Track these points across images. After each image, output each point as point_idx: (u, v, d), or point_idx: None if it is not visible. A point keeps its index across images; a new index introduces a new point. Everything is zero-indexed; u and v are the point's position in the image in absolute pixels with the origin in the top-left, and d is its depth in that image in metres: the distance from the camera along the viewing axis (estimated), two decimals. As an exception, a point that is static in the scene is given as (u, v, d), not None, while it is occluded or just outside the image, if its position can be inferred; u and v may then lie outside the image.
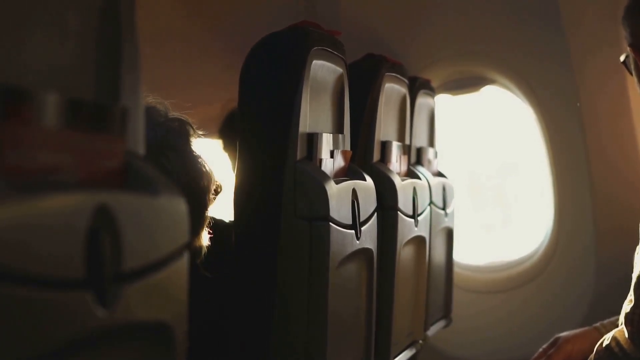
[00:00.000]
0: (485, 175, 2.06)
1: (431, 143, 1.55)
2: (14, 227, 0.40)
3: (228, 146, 1.59)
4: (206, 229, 0.88)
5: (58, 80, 0.49)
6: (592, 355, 1.14)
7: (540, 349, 1.31)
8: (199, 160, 0.87)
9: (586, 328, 1.30)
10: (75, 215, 0.45)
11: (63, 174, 0.46)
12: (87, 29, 0.52)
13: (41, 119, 0.45)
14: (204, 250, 0.87)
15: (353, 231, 0.93)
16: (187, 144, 0.87)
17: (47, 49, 0.48)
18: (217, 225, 0.91)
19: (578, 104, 1.63)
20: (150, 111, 0.85)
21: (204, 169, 0.87)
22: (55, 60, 0.49)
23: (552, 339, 1.31)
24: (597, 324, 1.30)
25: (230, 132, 1.54)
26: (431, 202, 1.36)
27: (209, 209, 0.88)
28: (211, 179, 0.87)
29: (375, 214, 1.03)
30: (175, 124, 0.87)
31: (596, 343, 1.14)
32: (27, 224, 0.41)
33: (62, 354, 0.43)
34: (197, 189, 0.85)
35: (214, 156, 1.55)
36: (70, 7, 0.50)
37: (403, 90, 1.31)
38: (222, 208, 0.96)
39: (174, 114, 0.89)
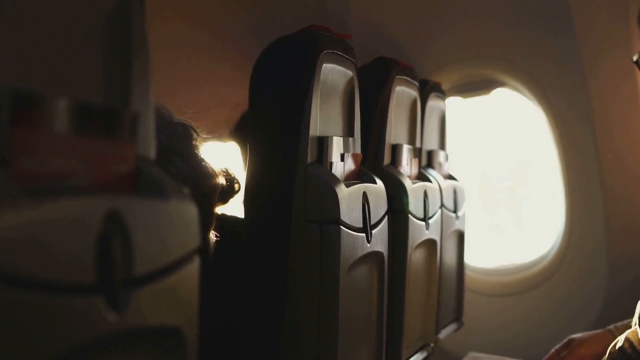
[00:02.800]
0: (496, 177, 2.04)
1: (442, 146, 1.54)
2: (25, 232, 0.40)
3: (242, 147, 1.60)
4: (213, 231, 0.88)
5: (68, 85, 0.49)
6: (605, 357, 1.13)
7: (553, 350, 1.30)
8: (204, 163, 0.87)
9: (600, 330, 1.29)
10: (86, 220, 0.45)
11: (74, 179, 0.46)
12: (97, 34, 0.52)
13: (52, 124, 0.45)
14: (211, 251, 0.87)
15: (364, 234, 0.93)
16: (192, 147, 0.87)
17: (57, 54, 0.49)
18: (227, 221, 0.91)
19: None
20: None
21: (209, 172, 0.87)
22: (66, 65, 0.49)
23: (565, 340, 1.30)
24: (611, 327, 1.29)
25: (244, 133, 1.55)
26: (442, 205, 1.35)
27: (215, 211, 0.88)
28: (217, 182, 0.87)
29: (386, 217, 1.03)
30: (179, 128, 0.87)
31: (609, 346, 1.13)
32: (39, 229, 0.41)
33: (73, 358, 0.43)
34: (203, 193, 0.85)
35: (225, 159, 1.56)
36: (80, 12, 0.51)
37: (414, 93, 1.30)
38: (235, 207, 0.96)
39: (177, 118, 0.89)
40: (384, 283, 1.02)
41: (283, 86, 0.86)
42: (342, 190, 0.88)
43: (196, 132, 0.89)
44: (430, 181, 1.31)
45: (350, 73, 0.98)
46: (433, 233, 1.27)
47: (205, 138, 0.91)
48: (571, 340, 1.29)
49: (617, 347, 1.11)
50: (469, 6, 1.66)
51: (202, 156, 0.88)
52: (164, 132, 0.85)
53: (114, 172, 0.50)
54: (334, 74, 0.93)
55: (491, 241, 1.98)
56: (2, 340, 0.39)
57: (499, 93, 1.78)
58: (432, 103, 1.45)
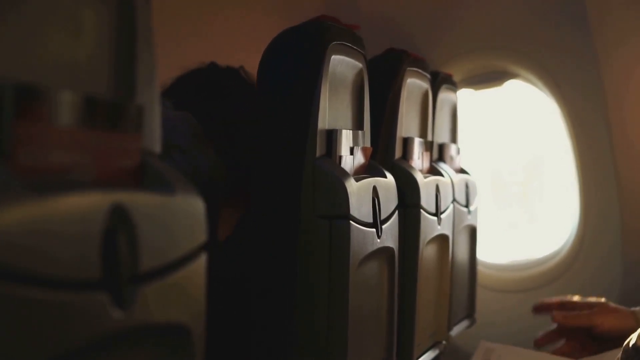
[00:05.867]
0: (508, 171, 2.02)
1: (453, 139, 1.52)
2: (28, 227, 0.40)
3: None
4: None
5: (73, 77, 0.49)
6: (619, 355, 1.11)
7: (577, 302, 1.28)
8: (206, 157, 0.86)
9: (624, 309, 1.27)
10: (91, 215, 0.44)
11: (78, 173, 0.46)
12: (102, 26, 0.51)
13: (56, 117, 0.44)
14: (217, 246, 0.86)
15: (374, 230, 0.92)
16: (192, 142, 0.86)
17: (62, 46, 0.48)
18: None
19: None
20: None
21: (211, 167, 0.86)
22: (70, 57, 0.48)
23: (595, 301, 1.28)
24: (636, 309, 1.27)
25: None
26: (454, 200, 1.34)
27: (219, 205, 0.87)
28: (220, 176, 0.86)
29: (397, 212, 1.01)
30: (178, 122, 0.86)
31: (628, 327, 1.11)
32: (42, 224, 0.41)
33: (78, 356, 0.42)
34: (205, 188, 0.84)
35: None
36: (85, 3, 0.50)
37: (425, 85, 1.28)
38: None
39: (178, 111, 0.88)
40: (394, 279, 1.00)
41: (291, 78, 0.85)
42: (352, 185, 0.86)
43: (195, 121, 0.88)
44: (442, 175, 1.29)
45: (359, 65, 0.96)
46: (445, 228, 1.26)
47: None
48: (602, 305, 1.27)
49: (630, 345, 1.09)
50: (481, -3, 1.64)
51: (205, 150, 0.87)
52: (164, 125, 0.85)
53: (119, 166, 0.49)
54: (342, 66, 0.92)
55: (504, 236, 1.96)
56: (5, 337, 0.38)
57: (511, 85, 1.76)
58: (444, 95, 1.43)
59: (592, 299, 1.28)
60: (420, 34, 1.64)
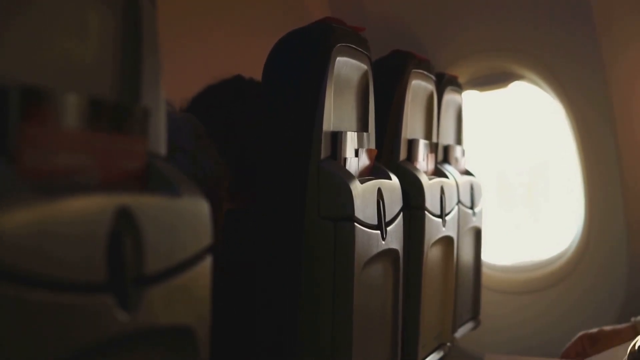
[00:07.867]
0: (514, 173, 2.02)
1: (458, 141, 1.52)
2: (34, 230, 0.40)
3: None
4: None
5: (78, 80, 0.49)
6: (625, 357, 1.11)
7: (578, 337, 1.28)
8: (209, 159, 0.86)
9: (624, 326, 1.27)
10: (96, 217, 0.44)
11: (84, 176, 0.46)
12: (107, 28, 0.51)
13: (62, 120, 0.44)
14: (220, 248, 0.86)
15: (378, 231, 0.91)
16: (196, 143, 0.86)
17: (67, 49, 0.48)
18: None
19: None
20: None
21: (214, 168, 0.86)
22: (76, 60, 0.49)
23: (595, 331, 1.27)
24: (638, 318, 1.26)
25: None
26: (459, 201, 1.34)
27: (222, 208, 0.87)
28: (223, 178, 0.86)
29: (402, 213, 1.01)
30: (181, 123, 0.86)
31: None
32: (48, 226, 0.41)
33: (84, 358, 0.42)
34: (208, 189, 0.85)
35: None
36: (91, 6, 0.50)
37: (430, 87, 1.28)
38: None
39: (182, 112, 0.88)
40: (399, 281, 1.00)
41: (296, 80, 0.85)
42: (357, 187, 0.86)
43: (199, 123, 0.88)
44: (446, 177, 1.29)
45: (364, 67, 0.96)
46: (450, 230, 1.25)
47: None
48: (601, 332, 1.27)
49: (637, 347, 1.08)
50: (486, -2, 1.64)
51: (209, 151, 0.87)
52: (167, 127, 0.85)
53: (124, 169, 0.49)
54: (347, 68, 0.92)
55: (509, 238, 1.96)
56: (11, 340, 0.38)
57: (516, 86, 1.75)
58: (449, 97, 1.43)
59: (623, 326, 1.29)
60: (426, 36, 1.63)
